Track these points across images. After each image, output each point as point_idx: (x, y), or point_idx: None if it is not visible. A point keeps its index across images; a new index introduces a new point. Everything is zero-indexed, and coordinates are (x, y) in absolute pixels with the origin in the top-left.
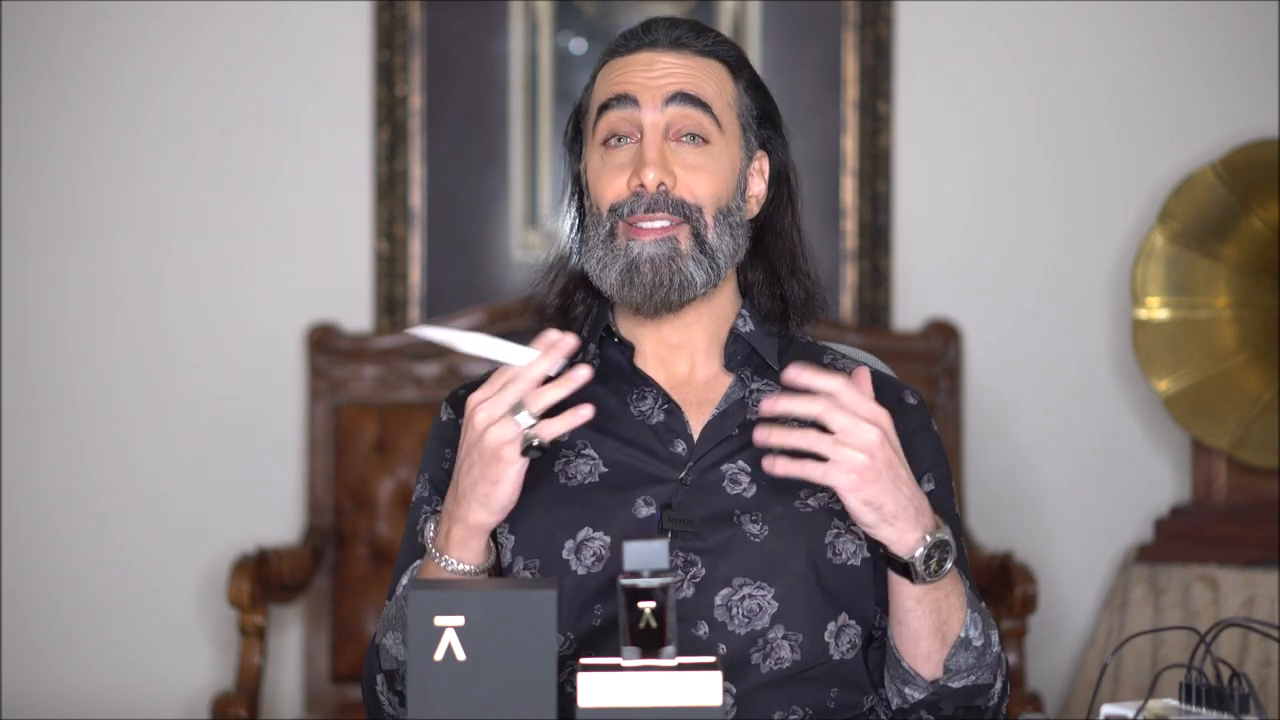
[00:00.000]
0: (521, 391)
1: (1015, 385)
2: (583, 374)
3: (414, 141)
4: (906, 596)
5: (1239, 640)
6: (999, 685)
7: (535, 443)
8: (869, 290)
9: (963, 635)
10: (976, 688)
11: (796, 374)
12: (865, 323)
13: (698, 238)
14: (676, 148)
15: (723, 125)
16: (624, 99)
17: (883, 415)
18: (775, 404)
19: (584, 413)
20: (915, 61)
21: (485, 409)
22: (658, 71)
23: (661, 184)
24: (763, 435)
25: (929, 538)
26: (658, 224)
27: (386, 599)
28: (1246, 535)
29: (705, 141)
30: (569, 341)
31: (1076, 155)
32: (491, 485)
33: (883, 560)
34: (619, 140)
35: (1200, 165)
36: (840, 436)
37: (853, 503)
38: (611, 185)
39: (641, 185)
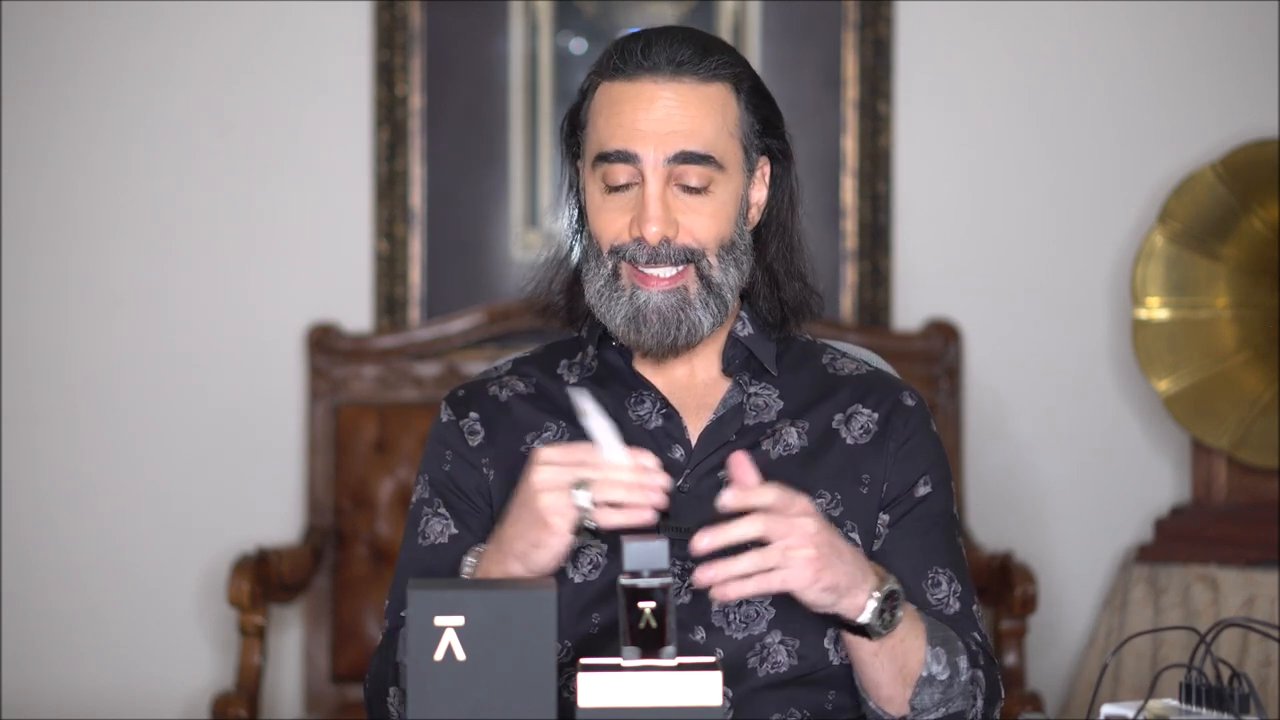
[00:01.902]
0: (592, 474)
1: (1015, 385)
2: (660, 481)
3: (414, 141)
4: (863, 651)
5: (1239, 640)
6: (980, 705)
7: (591, 526)
8: (869, 290)
9: (924, 674)
10: (951, 717)
11: (729, 500)
12: (865, 323)
13: (704, 278)
14: (678, 192)
15: (725, 165)
16: (623, 154)
17: (805, 500)
18: (714, 541)
19: (646, 515)
20: (915, 61)
21: (549, 471)
22: (659, 113)
23: (665, 237)
24: (706, 578)
25: (875, 594)
26: (664, 274)
27: (386, 599)
28: (1246, 535)
29: (708, 186)
30: (658, 480)
31: (1076, 155)
32: (531, 546)
33: (835, 625)
34: (619, 184)
35: (1200, 165)
36: (785, 543)
37: (811, 595)
38: (611, 226)
39: (643, 238)
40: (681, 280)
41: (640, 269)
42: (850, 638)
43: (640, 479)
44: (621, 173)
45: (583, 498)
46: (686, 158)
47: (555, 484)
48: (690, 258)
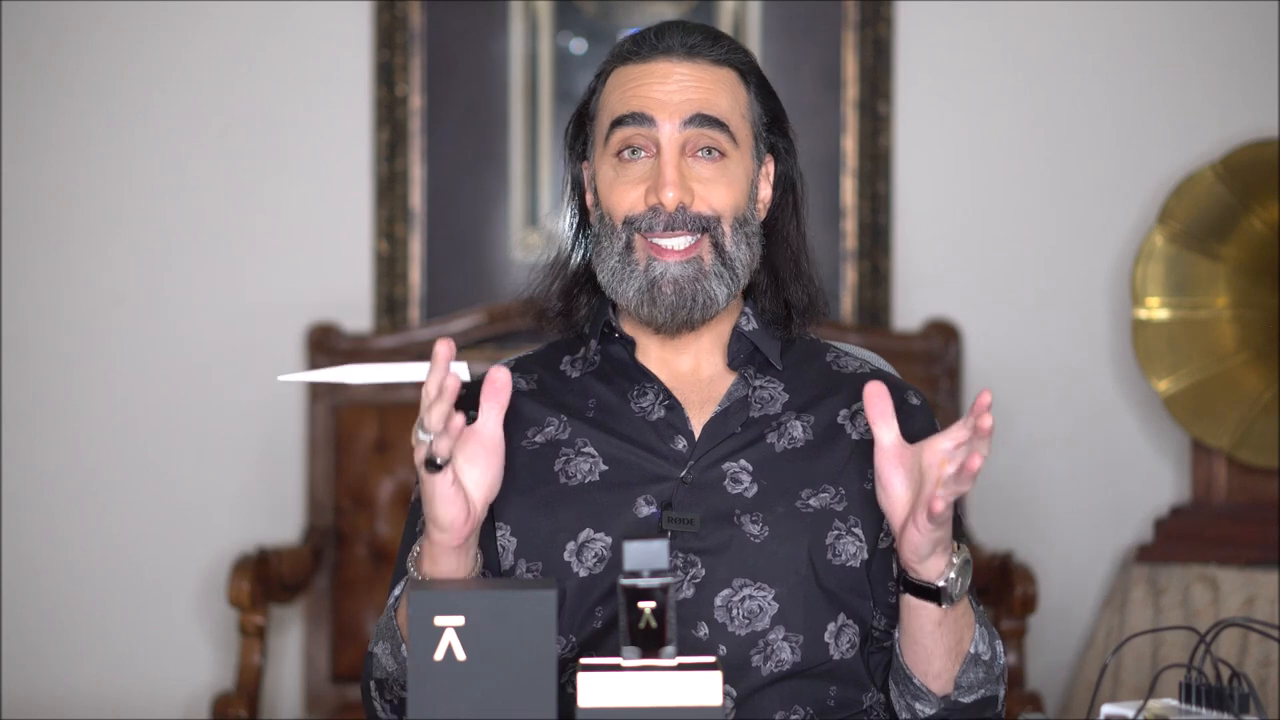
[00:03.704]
0: (424, 408)
1: (1015, 385)
2: (501, 377)
3: (414, 141)
4: (927, 620)
5: (1239, 640)
6: (1002, 690)
7: (437, 460)
8: (869, 290)
9: (972, 651)
10: (987, 700)
11: (988, 399)
12: (865, 323)
13: (718, 248)
14: (693, 162)
15: (737, 139)
16: (638, 117)
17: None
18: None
19: (458, 422)
20: (915, 61)
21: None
22: (673, 86)
23: (680, 203)
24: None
25: (955, 559)
26: (680, 243)
27: (389, 594)
28: (1246, 535)
29: (721, 155)
30: (442, 350)
31: (1076, 155)
32: (428, 503)
33: (905, 590)
34: (633, 153)
35: (1200, 165)
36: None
37: (933, 529)
38: (626, 198)
39: (660, 204)
40: (696, 251)
41: (655, 240)
42: (916, 605)
43: (440, 371)
44: (637, 138)
45: (422, 435)
46: (702, 121)
47: (414, 435)
48: (705, 226)
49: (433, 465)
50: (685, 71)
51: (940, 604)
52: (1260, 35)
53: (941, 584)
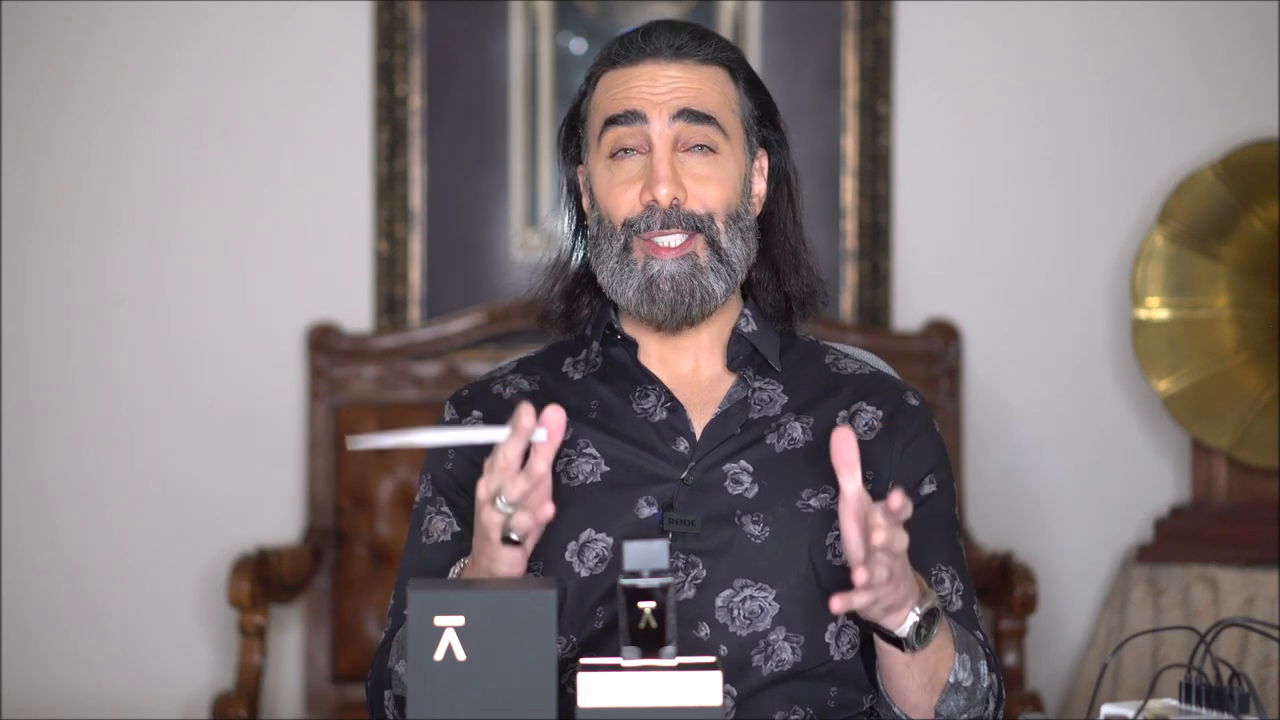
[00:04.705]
0: (501, 477)
1: (1015, 385)
2: (556, 417)
3: (414, 141)
4: (897, 660)
5: (1239, 640)
6: (992, 706)
7: (513, 536)
8: (869, 290)
9: (951, 680)
10: None
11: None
12: (865, 323)
13: (713, 245)
14: (685, 158)
15: (728, 133)
16: (630, 115)
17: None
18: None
19: (548, 510)
20: (915, 61)
21: (481, 486)
22: (662, 86)
23: (674, 199)
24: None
25: (917, 609)
26: (675, 241)
27: (391, 600)
28: (1246, 535)
29: (712, 151)
30: (525, 421)
31: (1076, 155)
32: (490, 561)
33: (871, 631)
34: (626, 152)
35: (1200, 165)
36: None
37: (872, 611)
38: (623, 199)
39: (654, 200)
40: (691, 246)
41: (652, 240)
42: (884, 645)
43: (521, 439)
44: (629, 138)
45: (503, 506)
46: (691, 116)
47: (482, 499)
48: (699, 226)
49: (509, 540)
50: (674, 74)
51: (903, 650)
52: (1260, 35)
53: (900, 634)
